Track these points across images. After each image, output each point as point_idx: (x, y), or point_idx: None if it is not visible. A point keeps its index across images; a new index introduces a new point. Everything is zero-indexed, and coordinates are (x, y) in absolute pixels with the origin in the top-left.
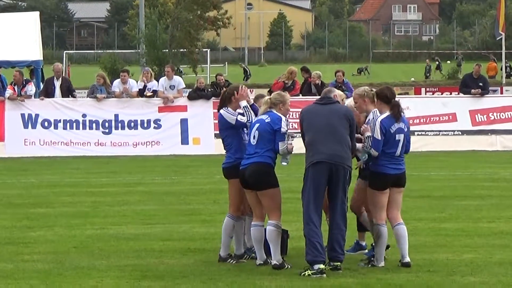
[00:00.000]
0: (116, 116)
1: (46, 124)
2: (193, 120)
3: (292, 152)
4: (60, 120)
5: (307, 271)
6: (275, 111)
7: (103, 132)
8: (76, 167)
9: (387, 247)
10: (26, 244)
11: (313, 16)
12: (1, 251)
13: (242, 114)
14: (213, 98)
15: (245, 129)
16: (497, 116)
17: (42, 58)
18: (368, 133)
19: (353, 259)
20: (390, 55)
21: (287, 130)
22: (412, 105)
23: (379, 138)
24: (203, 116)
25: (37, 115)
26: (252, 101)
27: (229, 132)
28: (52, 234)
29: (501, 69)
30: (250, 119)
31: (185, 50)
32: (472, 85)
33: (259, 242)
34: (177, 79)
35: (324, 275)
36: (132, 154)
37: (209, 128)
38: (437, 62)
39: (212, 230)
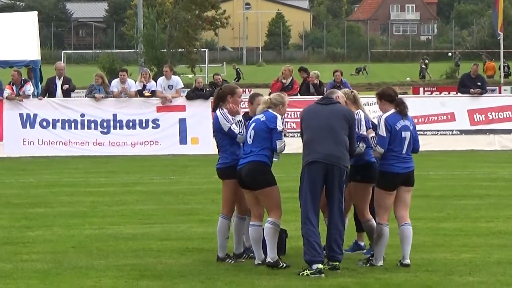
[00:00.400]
0: (115, 116)
1: (44, 124)
2: (192, 120)
3: (284, 151)
4: (58, 119)
5: (305, 271)
6: (271, 111)
7: (101, 132)
8: (75, 167)
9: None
10: (25, 244)
11: (311, 16)
12: (0, 251)
13: (236, 124)
14: (211, 98)
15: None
16: (495, 116)
17: (40, 58)
18: (372, 134)
19: (352, 259)
20: (388, 55)
21: (283, 129)
22: (410, 105)
23: (385, 135)
24: (201, 116)
25: (35, 115)
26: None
27: (222, 134)
28: (50, 234)
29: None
30: (243, 132)
31: (183, 50)
32: (470, 84)
33: (257, 242)
34: (175, 79)
35: (323, 275)
36: (130, 154)
37: (208, 128)
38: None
39: (210, 229)
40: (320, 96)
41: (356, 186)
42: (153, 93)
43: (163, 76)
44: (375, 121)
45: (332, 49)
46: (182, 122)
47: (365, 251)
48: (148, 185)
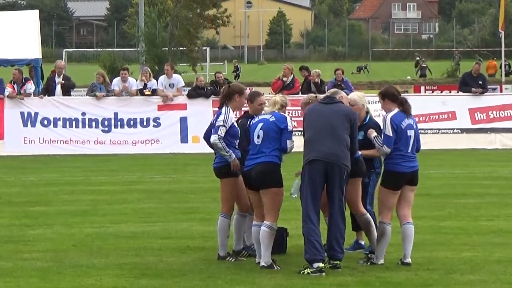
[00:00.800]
0: (116, 114)
1: (45, 122)
2: (193, 119)
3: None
4: (59, 118)
5: (306, 270)
6: (277, 111)
7: (102, 130)
8: (76, 165)
9: (372, 252)
10: (25, 242)
11: (313, 15)
12: (0, 249)
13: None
14: (212, 96)
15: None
16: (496, 114)
17: (41, 57)
18: (375, 134)
19: (352, 258)
20: (389, 53)
21: (292, 129)
22: (411, 103)
23: (391, 134)
24: (202, 114)
25: (36, 113)
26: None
27: None
28: (51, 232)
29: (500, 67)
30: (222, 139)
31: (184, 48)
32: (472, 83)
33: (259, 242)
34: (176, 77)
35: (323, 273)
36: (131, 152)
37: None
38: (417, 58)
39: (211, 228)
40: (322, 95)
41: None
42: (154, 92)
43: (164, 75)
44: (377, 120)
45: (333, 48)
46: (183, 121)
47: (366, 250)
48: (149, 183)
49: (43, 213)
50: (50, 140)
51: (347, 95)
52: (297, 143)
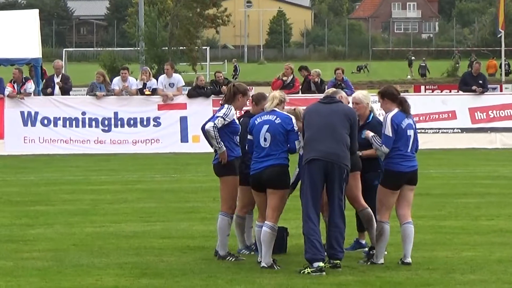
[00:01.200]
0: (116, 114)
1: (45, 121)
2: (193, 118)
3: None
4: (59, 117)
5: (306, 269)
6: (279, 110)
7: (102, 130)
8: (76, 165)
9: (372, 248)
10: (26, 242)
11: (313, 14)
12: (1, 248)
13: (215, 139)
14: (212, 96)
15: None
16: (496, 114)
17: (41, 56)
18: (372, 134)
19: (353, 257)
20: (389, 53)
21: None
22: (411, 103)
23: (391, 135)
24: (202, 114)
25: (36, 113)
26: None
27: (219, 129)
28: (51, 232)
29: (500, 67)
30: (217, 140)
31: (184, 48)
32: (472, 83)
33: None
34: (176, 76)
35: (324, 273)
36: (131, 152)
37: None
38: (412, 58)
39: (212, 228)
40: (322, 95)
41: None
42: (154, 91)
43: (164, 74)
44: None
45: (333, 47)
46: (183, 120)
47: (366, 249)
48: (149, 183)
49: (44, 212)
50: (50, 139)
51: (348, 94)
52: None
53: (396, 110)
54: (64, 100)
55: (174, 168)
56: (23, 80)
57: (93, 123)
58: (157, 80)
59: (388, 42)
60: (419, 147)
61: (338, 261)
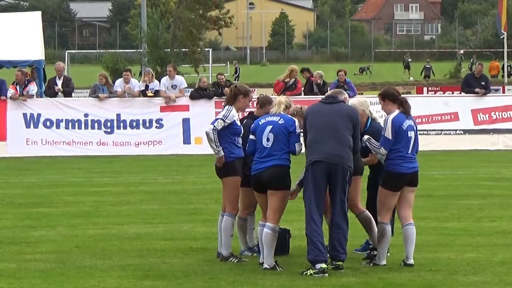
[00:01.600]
0: (118, 115)
1: (48, 123)
2: (195, 120)
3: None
4: (62, 119)
5: (309, 271)
6: (284, 113)
7: (105, 131)
8: (78, 166)
9: (373, 248)
10: (28, 244)
11: (315, 16)
12: (4, 250)
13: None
14: (215, 97)
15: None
16: (499, 115)
17: (44, 58)
18: (366, 137)
19: (355, 259)
20: (392, 54)
21: (300, 132)
22: (414, 105)
23: (390, 137)
24: (205, 115)
25: (39, 115)
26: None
27: (221, 130)
28: (54, 233)
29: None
30: (215, 141)
31: (187, 49)
32: (474, 84)
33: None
34: (179, 78)
35: (326, 274)
36: (134, 154)
37: None
38: (409, 60)
39: (214, 229)
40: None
41: None
42: (156, 93)
43: (167, 76)
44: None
45: (336, 49)
46: (186, 122)
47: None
48: (152, 185)
49: (46, 214)
50: (53, 141)
51: (350, 96)
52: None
53: (397, 111)
54: (66, 102)
55: (176, 169)
56: (26, 82)
57: (96, 125)
58: (159, 82)
59: (390, 44)
60: (421, 149)
61: (341, 263)
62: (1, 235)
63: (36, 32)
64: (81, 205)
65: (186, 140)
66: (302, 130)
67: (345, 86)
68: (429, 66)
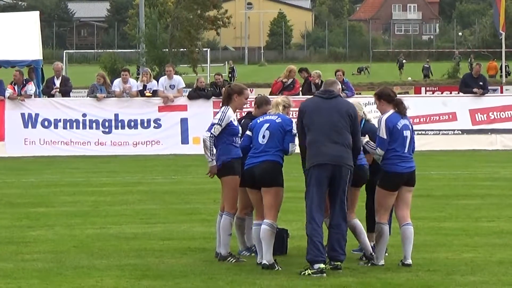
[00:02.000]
0: (116, 115)
1: (46, 123)
2: (193, 120)
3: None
4: (60, 119)
5: (307, 270)
6: (282, 113)
7: (103, 131)
8: (76, 166)
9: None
10: (26, 244)
11: (313, 16)
12: (1, 250)
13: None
14: (213, 97)
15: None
16: (497, 115)
17: (42, 58)
18: (366, 139)
19: (353, 259)
20: (390, 54)
21: (296, 132)
22: (412, 104)
23: (385, 137)
24: (203, 115)
25: (37, 115)
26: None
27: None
28: (52, 233)
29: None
30: (213, 141)
31: (185, 49)
32: (472, 84)
33: (260, 241)
34: (177, 78)
35: (324, 274)
36: (132, 154)
37: None
38: (404, 61)
39: (212, 229)
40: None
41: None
42: (154, 93)
43: (165, 76)
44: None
45: (334, 49)
46: (184, 122)
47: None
48: (150, 184)
49: (44, 214)
50: (51, 141)
51: (348, 96)
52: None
53: (391, 111)
54: (64, 102)
55: (174, 169)
56: (24, 82)
57: (94, 124)
58: (157, 82)
59: (388, 44)
60: (419, 149)
61: (339, 263)
62: None
63: (34, 32)
64: (79, 205)
65: (184, 140)
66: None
67: (343, 86)
68: (428, 66)
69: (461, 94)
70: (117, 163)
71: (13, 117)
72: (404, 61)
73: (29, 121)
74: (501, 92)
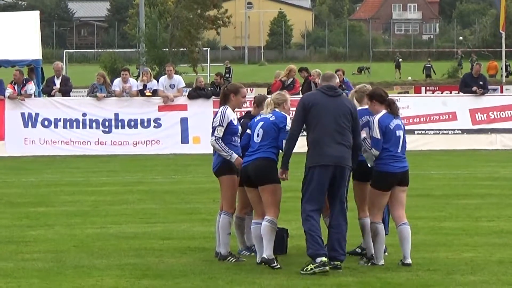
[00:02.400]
0: (116, 115)
1: (46, 123)
2: (193, 119)
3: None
4: (60, 119)
5: (309, 265)
6: (278, 111)
7: (103, 131)
8: (76, 166)
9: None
10: (26, 243)
11: (313, 15)
12: (2, 250)
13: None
14: (213, 97)
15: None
16: (497, 115)
17: (42, 57)
18: (364, 135)
19: (353, 258)
20: (390, 54)
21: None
22: (412, 104)
23: (379, 137)
24: (203, 115)
25: (37, 114)
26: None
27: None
28: (52, 233)
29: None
30: (219, 141)
31: (185, 49)
32: (472, 84)
33: (260, 241)
34: (177, 78)
35: (327, 267)
36: (132, 153)
37: (209, 127)
38: (400, 60)
39: (212, 229)
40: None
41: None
42: (154, 93)
43: (165, 76)
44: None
45: (334, 49)
46: (184, 122)
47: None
48: (150, 184)
49: (44, 213)
50: (51, 141)
51: (348, 96)
52: (300, 143)
53: (383, 111)
54: (64, 102)
55: (174, 169)
56: (24, 82)
57: (94, 124)
58: (157, 81)
59: (388, 44)
60: (419, 148)
61: (339, 263)
62: None
63: (34, 31)
64: (79, 204)
65: (184, 139)
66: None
67: (343, 86)
68: (429, 65)
69: (461, 93)
70: (117, 162)
71: (13, 116)
72: (400, 60)
73: (29, 120)
74: (501, 91)
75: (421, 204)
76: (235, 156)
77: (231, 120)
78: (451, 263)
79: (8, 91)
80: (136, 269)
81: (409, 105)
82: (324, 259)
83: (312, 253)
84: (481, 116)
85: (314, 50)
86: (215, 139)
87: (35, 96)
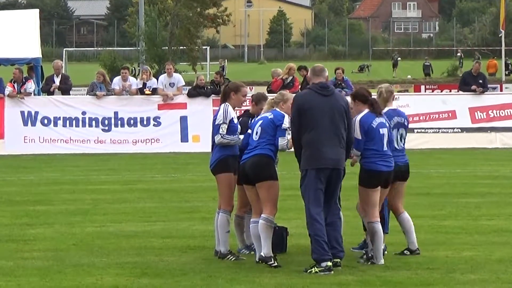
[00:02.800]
0: (116, 113)
1: (45, 121)
2: (193, 118)
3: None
4: (59, 117)
5: (313, 268)
6: (277, 109)
7: (102, 129)
8: (76, 164)
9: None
10: (26, 242)
11: (313, 14)
12: (1, 248)
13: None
14: (212, 95)
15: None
16: (496, 114)
17: (41, 56)
18: None
19: (353, 257)
20: (389, 52)
21: (288, 127)
22: (411, 103)
23: (360, 137)
24: (202, 113)
25: (36, 113)
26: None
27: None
28: (52, 231)
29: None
30: (227, 137)
31: (184, 47)
32: (472, 82)
33: (259, 239)
34: (176, 76)
35: (332, 272)
36: (131, 152)
37: (209, 126)
38: (398, 59)
39: (212, 227)
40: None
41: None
42: (154, 91)
43: (165, 74)
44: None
45: (333, 47)
46: (183, 120)
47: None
48: (150, 183)
49: (44, 212)
50: (51, 139)
51: (347, 94)
52: None
53: (365, 111)
54: (64, 100)
55: (174, 167)
56: (23, 80)
57: (93, 122)
58: (157, 80)
59: (388, 42)
60: (419, 147)
61: (339, 260)
62: None
63: (34, 29)
64: (79, 203)
65: (184, 138)
66: (289, 126)
67: (343, 84)
68: (428, 64)
69: (460, 92)
70: (116, 161)
71: (13, 115)
72: (399, 59)
73: (29, 119)
74: (501, 90)
75: (420, 203)
76: (241, 136)
77: (232, 119)
78: (451, 261)
79: (8, 89)
80: (135, 268)
81: (409, 103)
82: (329, 263)
83: (317, 257)
84: (480, 115)
85: (314, 48)
86: (221, 137)
87: (34, 94)
